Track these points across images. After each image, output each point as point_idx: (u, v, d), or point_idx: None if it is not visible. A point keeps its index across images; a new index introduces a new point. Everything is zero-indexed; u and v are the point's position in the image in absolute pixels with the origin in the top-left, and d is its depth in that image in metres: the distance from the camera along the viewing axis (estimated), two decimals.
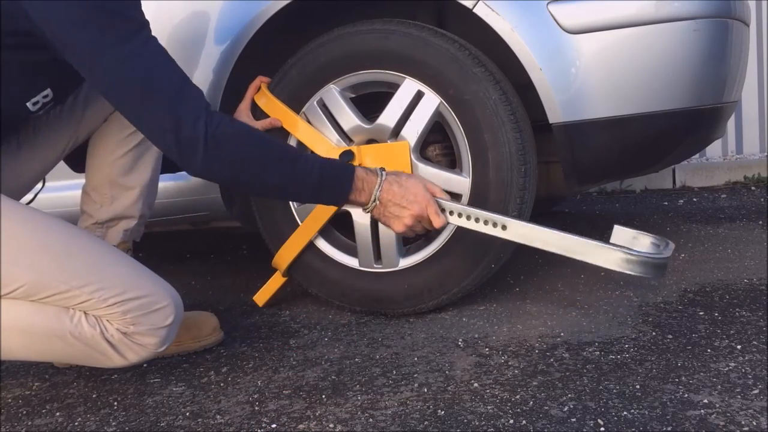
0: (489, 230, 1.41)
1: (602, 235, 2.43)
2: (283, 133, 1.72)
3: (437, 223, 1.41)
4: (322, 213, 1.70)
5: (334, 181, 1.37)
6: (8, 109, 1.30)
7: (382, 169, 1.42)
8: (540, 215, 2.88)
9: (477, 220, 1.42)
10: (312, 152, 1.70)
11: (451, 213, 1.43)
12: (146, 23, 1.26)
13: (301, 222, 1.74)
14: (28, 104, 1.30)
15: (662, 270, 1.33)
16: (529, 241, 1.38)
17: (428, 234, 1.69)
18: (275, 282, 1.84)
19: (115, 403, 1.32)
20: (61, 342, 1.26)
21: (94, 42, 1.19)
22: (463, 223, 1.43)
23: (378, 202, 1.39)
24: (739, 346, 1.33)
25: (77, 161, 1.61)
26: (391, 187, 1.39)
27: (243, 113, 1.72)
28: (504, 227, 1.40)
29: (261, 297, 1.86)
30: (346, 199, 1.39)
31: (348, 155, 1.62)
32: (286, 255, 1.75)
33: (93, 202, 1.58)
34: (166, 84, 1.24)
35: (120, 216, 1.58)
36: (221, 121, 1.27)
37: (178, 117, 1.23)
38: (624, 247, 1.32)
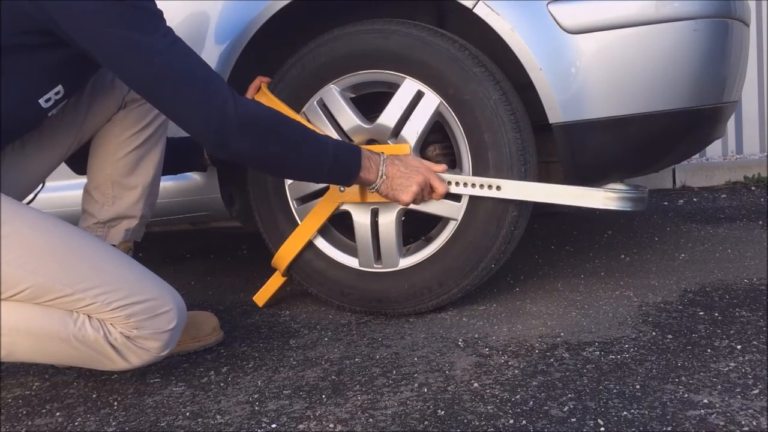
0: (486, 192, 1.55)
1: (602, 235, 2.43)
2: None
3: (441, 188, 1.54)
4: (321, 212, 1.70)
5: (347, 159, 1.46)
6: (21, 107, 1.30)
7: (382, 152, 1.53)
8: (540, 215, 2.88)
9: (473, 185, 1.56)
10: None
11: (449, 183, 1.56)
12: (162, 14, 1.30)
13: (301, 222, 1.74)
14: (40, 101, 1.31)
15: (642, 203, 1.51)
16: (524, 196, 1.54)
17: (428, 234, 1.70)
18: (275, 282, 1.84)
19: (115, 403, 1.32)
20: (64, 345, 1.26)
21: (124, 37, 1.22)
22: (461, 190, 1.57)
23: (385, 177, 1.49)
24: (739, 346, 1.33)
25: (79, 163, 1.61)
26: (393, 162, 1.51)
27: None
28: (499, 188, 1.54)
29: (261, 297, 1.86)
30: (357, 177, 1.48)
31: None
32: (285, 255, 1.75)
33: (95, 202, 1.58)
34: (194, 71, 1.29)
35: (122, 216, 1.58)
36: (247, 103, 1.34)
37: (210, 102, 1.28)
38: (606, 187, 1.52)
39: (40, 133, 1.46)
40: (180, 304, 1.32)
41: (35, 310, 1.25)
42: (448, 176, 1.57)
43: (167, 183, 1.80)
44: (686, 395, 1.14)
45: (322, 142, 1.44)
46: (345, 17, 1.74)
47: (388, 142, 1.63)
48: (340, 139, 1.67)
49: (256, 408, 1.24)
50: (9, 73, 1.26)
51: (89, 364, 1.32)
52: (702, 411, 1.08)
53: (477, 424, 1.10)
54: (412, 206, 1.61)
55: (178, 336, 1.33)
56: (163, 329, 1.29)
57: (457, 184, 1.56)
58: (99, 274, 1.26)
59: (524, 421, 1.09)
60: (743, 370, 1.22)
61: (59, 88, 1.33)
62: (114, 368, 1.32)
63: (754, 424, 1.03)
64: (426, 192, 1.54)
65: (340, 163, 1.45)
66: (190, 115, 1.30)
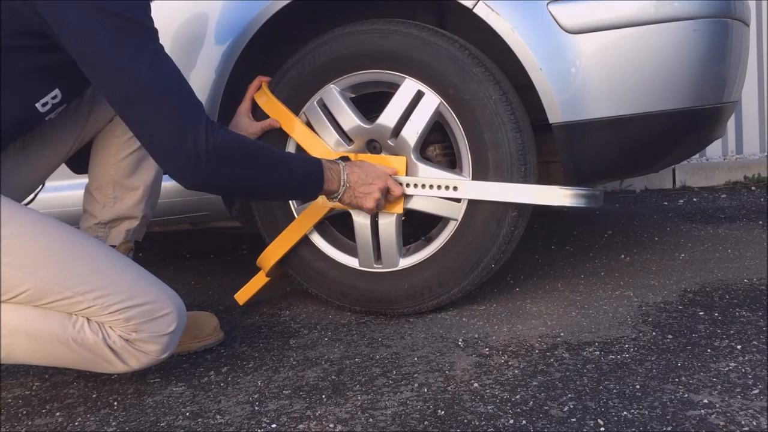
0: (443, 193, 1.58)
1: (602, 235, 2.43)
2: (281, 134, 1.72)
3: (397, 191, 1.57)
4: (310, 216, 1.70)
5: (312, 175, 1.47)
6: (18, 111, 1.30)
7: (337, 159, 1.57)
8: (540, 215, 2.88)
9: (430, 186, 1.59)
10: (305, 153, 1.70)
11: (407, 185, 1.60)
12: (156, 32, 1.27)
13: (290, 223, 1.74)
14: (37, 105, 1.31)
15: (595, 200, 1.57)
16: (481, 196, 1.56)
17: (428, 234, 1.70)
18: (258, 281, 1.83)
19: (115, 403, 1.32)
20: (63, 347, 1.26)
21: (106, 47, 1.20)
22: (416, 191, 1.60)
23: (347, 186, 1.51)
24: (739, 346, 1.33)
25: (78, 163, 1.61)
26: (353, 170, 1.53)
27: (243, 114, 1.72)
28: (455, 188, 1.58)
29: (242, 295, 1.86)
30: (321, 190, 1.49)
31: (344, 160, 1.62)
32: (270, 256, 1.75)
33: (96, 203, 1.58)
34: (173, 95, 1.26)
35: (123, 216, 1.58)
36: (220, 134, 1.29)
37: (183, 129, 1.25)
38: (562, 186, 1.55)
39: (41, 134, 1.46)
40: (180, 307, 1.32)
41: (34, 313, 1.25)
42: (403, 178, 1.59)
43: (167, 183, 1.80)
44: (686, 395, 1.14)
45: (290, 163, 1.43)
46: (345, 17, 1.74)
47: (389, 142, 1.63)
48: (340, 140, 1.67)
49: (256, 408, 1.24)
50: (4, 76, 1.25)
51: (88, 366, 1.32)
52: (702, 411, 1.08)
53: (477, 424, 1.10)
54: (411, 206, 1.61)
55: (177, 339, 1.33)
56: (162, 332, 1.28)
57: (415, 185, 1.59)
58: (98, 277, 1.25)
59: (524, 421, 1.09)
60: (743, 370, 1.22)
61: (56, 92, 1.32)
62: (113, 371, 1.32)
63: (754, 424, 1.03)
64: (384, 197, 1.57)
65: (308, 180, 1.46)
66: (157, 139, 1.26)
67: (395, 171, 1.60)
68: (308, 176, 1.46)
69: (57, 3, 1.19)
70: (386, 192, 1.57)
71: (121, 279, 1.27)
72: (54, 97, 1.32)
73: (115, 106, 1.28)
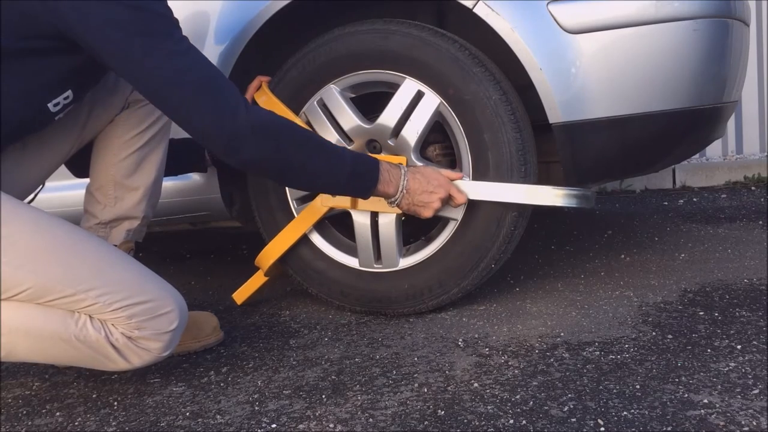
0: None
1: (602, 235, 2.43)
2: None
3: (460, 199, 1.54)
4: (309, 215, 1.70)
5: (365, 172, 1.45)
6: (30, 111, 1.30)
7: (400, 163, 1.54)
8: (540, 215, 2.88)
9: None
10: None
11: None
12: (178, 22, 1.29)
13: (290, 223, 1.74)
14: (49, 105, 1.31)
15: (587, 200, 1.57)
16: (475, 197, 1.56)
17: (428, 234, 1.70)
18: (256, 281, 1.84)
19: (115, 403, 1.32)
20: (65, 345, 1.26)
21: (139, 43, 1.22)
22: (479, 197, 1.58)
23: (405, 192, 1.49)
24: (739, 346, 1.33)
25: (79, 166, 1.61)
26: (415, 177, 1.50)
27: None
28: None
29: (240, 295, 1.86)
30: (375, 190, 1.47)
31: None
32: (269, 255, 1.75)
33: (97, 203, 1.58)
34: (209, 79, 1.28)
35: (123, 216, 1.58)
36: (259, 111, 1.33)
37: (224, 110, 1.27)
38: (555, 186, 1.56)
39: (41, 133, 1.46)
40: (182, 305, 1.32)
41: (36, 311, 1.25)
42: (463, 184, 1.56)
43: (167, 183, 1.80)
44: (686, 395, 1.14)
45: (338, 151, 1.42)
46: (345, 17, 1.74)
47: (389, 142, 1.63)
48: (340, 140, 1.68)
49: (256, 408, 1.24)
50: (19, 77, 1.25)
51: (90, 364, 1.32)
52: (702, 411, 1.08)
53: (477, 424, 1.10)
54: None
55: (179, 337, 1.33)
56: (164, 330, 1.29)
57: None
58: (101, 275, 1.26)
59: (524, 421, 1.09)
60: (743, 370, 1.22)
61: (69, 92, 1.33)
62: (115, 369, 1.32)
63: (754, 424, 1.03)
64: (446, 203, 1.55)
65: (358, 173, 1.43)
66: (201, 121, 1.28)
67: (460, 176, 1.57)
68: (362, 170, 1.44)
69: (80, 2, 1.20)
70: (447, 200, 1.54)
71: (124, 277, 1.28)
72: (66, 98, 1.33)
73: (151, 99, 1.30)
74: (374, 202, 1.59)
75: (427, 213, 1.52)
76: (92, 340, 1.26)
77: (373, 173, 1.45)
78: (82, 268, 1.25)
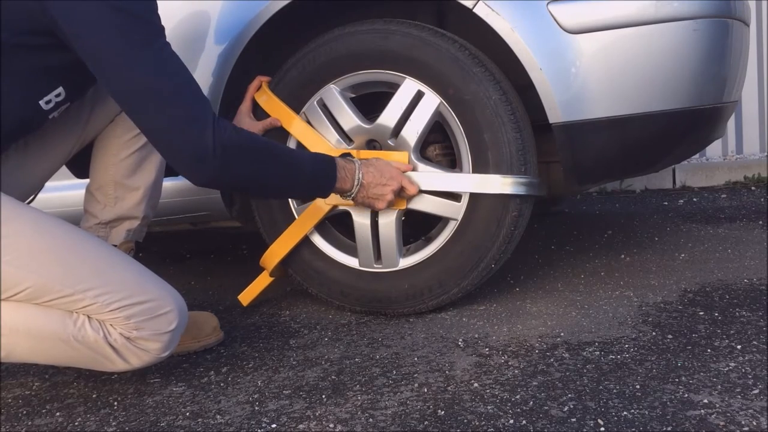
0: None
1: (602, 235, 2.43)
2: (282, 133, 1.72)
3: (412, 190, 1.57)
4: (312, 215, 1.70)
5: (323, 173, 1.46)
6: (21, 108, 1.30)
7: (351, 155, 1.58)
8: (540, 215, 2.88)
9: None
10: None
11: None
12: (163, 29, 1.27)
13: (293, 222, 1.74)
14: (40, 102, 1.30)
15: (533, 187, 1.58)
16: (427, 187, 1.59)
17: (428, 234, 1.70)
18: (261, 282, 1.83)
19: (115, 403, 1.32)
20: (64, 345, 1.26)
21: (113, 43, 1.20)
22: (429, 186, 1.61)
23: (360, 186, 1.51)
24: (739, 346, 1.33)
25: (80, 166, 1.61)
26: (368, 170, 1.52)
27: (244, 114, 1.72)
28: None
29: (246, 296, 1.85)
30: (333, 188, 1.48)
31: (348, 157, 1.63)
32: (273, 255, 1.75)
33: (97, 203, 1.58)
34: (182, 92, 1.26)
35: (124, 216, 1.58)
36: (228, 131, 1.30)
37: (190, 126, 1.25)
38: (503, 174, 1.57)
39: (42, 134, 1.46)
40: (181, 305, 1.32)
41: (35, 311, 1.25)
42: (414, 175, 1.60)
43: (167, 183, 1.80)
44: (686, 395, 1.14)
45: (299, 160, 1.43)
46: (345, 17, 1.74)
47: (389, 142, 1.63)
48: (340, 140, 1.67)
49: (256, 408, 1.24)
50: (9, 73, 1.25)
51: (89, 365, 1.32)
52: (702, 411, 1.08)
53: (477, 424, 1.10)
54: (411, 206, 1.61)
55: (178, 337, 1.33)
56: (163, 330, 1.28)
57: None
58: (99, 275, 1.25)
59: (524, 421, 1.09)
60: (743, 370, 1.22)
61: (60, 90, 1.32)
62: (114, 369, 1.32)
63: (754, 424, 1.03)
64: (398, 195, 1.58)
65: (318, 176, 1.45)
66: (166, 137, 1.27)
67: (410, 168, 1.59)
68: (320, 173, 1.45)
69: (66, 2, 1.19)
70: (399, 191, 1.57)
71: (122, 277, 1.27)
72: (58, 95, 1.32)
73: (121, 104, 1.28)
74: (331, 197, 1.59)
75: (381, 205, 1.55)
76: (90, 341, 1.26)
77: (331, 172, 1.47)
78: (80, 268, 1.25)
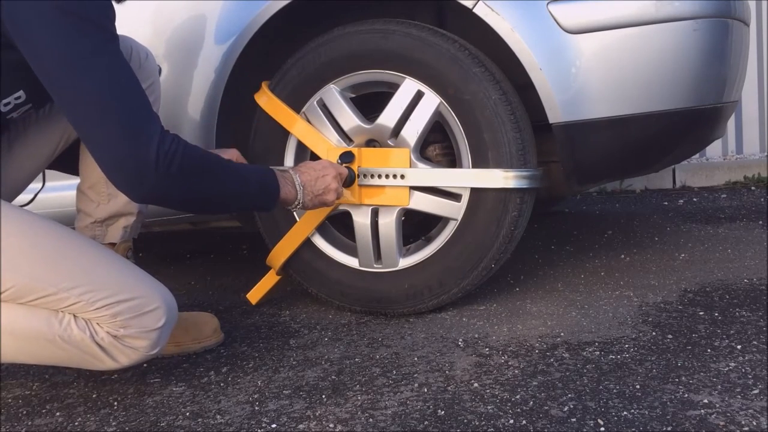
0: (392, 182, 1.62)
1: (602, 235, 2.43)
2: (283, 132, 1.72)
3: (343, 172, 1.56)
4: (318, 213, 1.70)
5: (268, 184, 1.38)
6: None
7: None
8: (540, 215, 2.88)
9: (380, 176, 1.63)
10: (312, 153, 1.71)
11: (358, 176, 1.64)
12: (115, 35, 1.21)
13: (298, 220, 1.74)
14: None
15: (535, 180, 1.59)
16: (427, 183, 1.61)
17: (428, 234, 1.70)
18: (269, 280, 1.84)
19: (115, 403, 1.32)
20: (50, 345, 1.24)
21: (63, 48, 1.14)
22: (369, 181, 1.64)
23: (303, 188, 1.45)
24: (739, 346, 1.33)
25: (69, 165, 1.59)
26: (302, 170, 1.48)
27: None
28: (402, 176, 1.62)
29: (254, 295, 1.86)
30: (278, 199, 1.41)
31: (348, 156, 1.63)
32: (279, 254, 1.75)
33: (90, 201, 1.57)
34: (122, 102, 1.18)
35: (118, 213, 1.57)
36: (173, 146, 1.20)
37: (130, 139, 1.17)
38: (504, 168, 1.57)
39: (26, 131, 1.45)
40: (170, 302, 1.29)
41: (19, 311, 1.23)
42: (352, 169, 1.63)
43: None
44: (686, 395, 1.14)
45: (244, 174, 1.35)
46: (345, 17, 1.74)
47: (389, 142, 1.63)
48: (340, 140, 1.68)
49: (256, 408, 1.24)
50: None
51: (78, 364, 1.30)
52: (702, 411, 1.08)
53: (477, 424, 1.10)
54: (411, 206, 1.61)
55: (167, 334, 1.30)
56: (150, 327, 1.26)
57: (364, 176, 1.63)
58: (83, 273, 1.23)
59: (524, 421, 1.09)
60: (743, 370, 1.22)
61: (20, 93, 1.27)
62: (103, 368, 1.30)
63: (754, 424, 1.03)
64: (342, 183, 1.55)
65: (264, 188, 1.38)
66: (106, 148, 1.18)
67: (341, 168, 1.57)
68: (264, 185, 1.38)
69: (11, 1, 1.13)
70: (341, 179, 1.54)
71: (108, 274, 1.25)
72: (18, 98, 1.27)
73: (63, 111, 1.22)
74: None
75: (331, 196, 1.50)
76: (77, 340, 1.24)
77: (275, 183, 1.39)
78: (63, 266, 1.23)
